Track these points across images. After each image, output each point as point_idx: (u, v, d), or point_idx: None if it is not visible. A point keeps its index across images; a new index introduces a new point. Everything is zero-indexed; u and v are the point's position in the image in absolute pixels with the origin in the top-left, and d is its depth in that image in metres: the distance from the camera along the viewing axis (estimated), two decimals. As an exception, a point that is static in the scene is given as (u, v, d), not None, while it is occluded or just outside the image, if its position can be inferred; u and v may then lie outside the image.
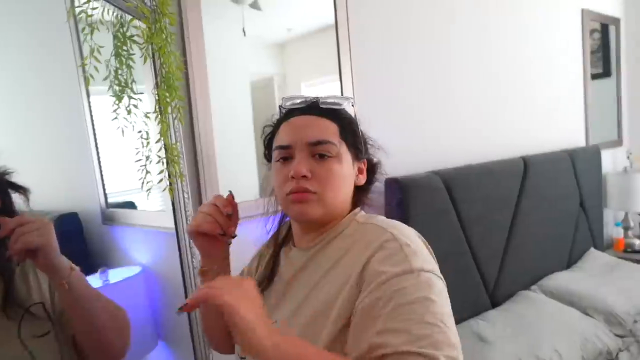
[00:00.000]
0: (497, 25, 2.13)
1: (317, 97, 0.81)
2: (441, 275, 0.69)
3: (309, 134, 0.76)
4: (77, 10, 0.92)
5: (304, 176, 0.74)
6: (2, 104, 1.70)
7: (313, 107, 0.80)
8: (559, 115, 2.52)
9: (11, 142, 1.64)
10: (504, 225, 1.90)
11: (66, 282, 0.81)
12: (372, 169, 0.88)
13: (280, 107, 0.85)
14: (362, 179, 0.84)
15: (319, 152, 0.76)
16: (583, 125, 2.71)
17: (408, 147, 1.76)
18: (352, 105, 0.83)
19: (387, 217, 0.79)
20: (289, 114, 0.82)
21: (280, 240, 0.89)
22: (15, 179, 0.93)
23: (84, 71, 0.91)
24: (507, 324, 1.61)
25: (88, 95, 1.37)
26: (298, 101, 0.82)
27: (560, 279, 2.01)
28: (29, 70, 1.56)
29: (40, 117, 1.59)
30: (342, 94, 1.55)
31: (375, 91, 1.68)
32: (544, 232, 2.07)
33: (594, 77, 2.78)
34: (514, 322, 1.63)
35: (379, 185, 0.92)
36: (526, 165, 2.00)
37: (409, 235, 0.71)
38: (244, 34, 1.35)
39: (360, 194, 0.86)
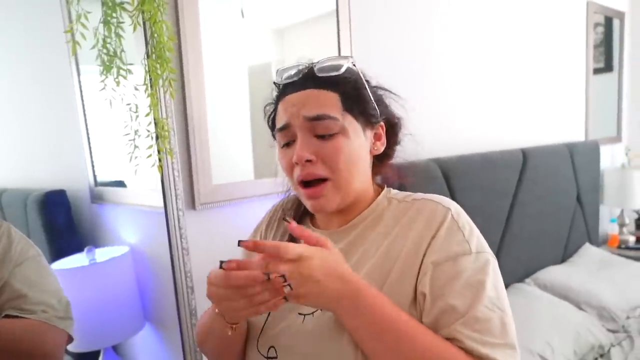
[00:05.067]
0: (500, 16, 2.08)
1: (313, 64, 0.73)
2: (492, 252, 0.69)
3: (306, 109, 0.69)
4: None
5: (309, 160, 0.68)
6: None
7: (309, 79, 0.72)
8: (560, 109, 2.49)
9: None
10: (501, 217, 1.87)
11: None
12: (392, 128, 0.79)
13: (275, 83, 0.78)
14: (381, 146, 0.76)
15: (319, 132, 0.68)
16: (583, 119, 2.68)
17: (407, 134, 1.73)
18: (354, 65, 0.75)
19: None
20: (285, 90, 0.74)
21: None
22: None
23: (72, 38, 0.86)
24: (500, 315, 1.59)
25: (78, 71, 1.33)
26: (293, 72, 0.74)
27: (554, 273, 2.00)
28: (17, 39, 1.50)
29: (27, 90, 1.54)
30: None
31: (376, 78, 1.64)
32: (540, 225, 2.05)
33: (596, 71, 2.75)
34: (507, 314, 1.61)
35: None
36: (525, 158, 1.98)
37: (462, 213, 0.71)
38: (242, 15, 1.30)
39: (382, 161, 0.79)
